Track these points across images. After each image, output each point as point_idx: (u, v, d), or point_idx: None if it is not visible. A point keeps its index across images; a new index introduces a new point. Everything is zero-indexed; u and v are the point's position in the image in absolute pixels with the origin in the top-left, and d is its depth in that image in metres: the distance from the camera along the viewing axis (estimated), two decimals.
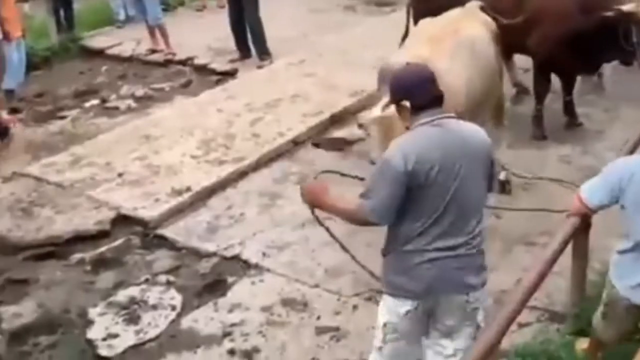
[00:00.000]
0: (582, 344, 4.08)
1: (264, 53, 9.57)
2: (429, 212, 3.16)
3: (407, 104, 3.23)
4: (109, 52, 10.48)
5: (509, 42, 6.47)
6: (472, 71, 5.19)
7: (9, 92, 8.66)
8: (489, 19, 5.91)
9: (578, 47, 6.46)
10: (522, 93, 8.07)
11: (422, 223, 3.17)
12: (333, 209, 3.39)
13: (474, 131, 3.34)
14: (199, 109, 8.11)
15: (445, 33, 5.34)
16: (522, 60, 7.76)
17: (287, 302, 4.91)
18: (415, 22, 7.15)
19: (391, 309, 3.33)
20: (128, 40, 10.70)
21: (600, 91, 8.03)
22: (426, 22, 5.83)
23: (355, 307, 4.80)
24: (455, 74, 4.91)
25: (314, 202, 3.48)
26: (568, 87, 7.27)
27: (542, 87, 7.14)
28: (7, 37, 8.21)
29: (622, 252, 3.62)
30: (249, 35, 9.63)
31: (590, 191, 3.69)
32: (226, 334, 4.65)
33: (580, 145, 6.84)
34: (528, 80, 7.57)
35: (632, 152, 4.84)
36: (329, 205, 3.40)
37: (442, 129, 3.20)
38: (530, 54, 7.16)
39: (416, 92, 3.22)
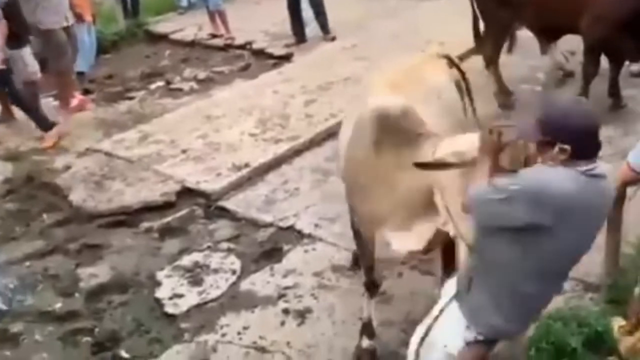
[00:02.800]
0: (619, 322, 4.18)
1: (327, 29, 9.85)
2: None
3: (566, 147, 2.81)
4: (172, 37, 10.92)
5: (558, 23, 6.51)
6: (442, 121, 4.13)
7: (80, 74, 9.15)
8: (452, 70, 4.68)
9: (632, 29, 6.47)
10: (567, 76, 8.19)
11: None
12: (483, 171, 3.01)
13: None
14: (257, 91, 8.44)
15: (410, 80, 4.18)
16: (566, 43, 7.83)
17: (337, 269, 5.21)
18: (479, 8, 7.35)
19: None
20: (190, 26, 11.13)
21: None
22: (387, 68, 4.60)
23: (400, 274, 5.06)
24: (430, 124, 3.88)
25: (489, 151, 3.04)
26: (616, 69, 7.33)
27: (591, 68, 7.13)
28: (79, 18, 8.68)
29: None
30: (304, 20, 9.92)
31: (638, 156, 3.79)
32: (281, 296, 4.98)
33: (622, 127, 6.92)
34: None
35: None
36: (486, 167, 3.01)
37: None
38: (582, 34, 7.05)
39: (586, 140, 2.84)
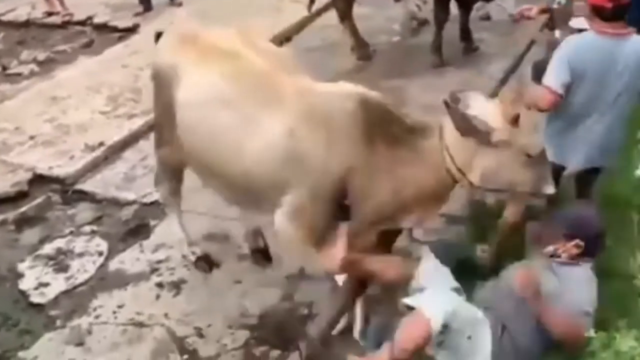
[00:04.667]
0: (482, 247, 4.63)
1: None
2: None
3: (581, 244, 3.61)
4: (4, 18, 10.58)
5: None
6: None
7: None
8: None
9: None
10: (421, 25, 8.71)
11: None
12: None
13: None
14: (103, 67, 8.42)
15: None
16: None
17: (209, 237, 5.40)
18: None
19: None
20: (22, 5, 10.82)
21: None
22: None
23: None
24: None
25: None
26: (465, 14, 7.88)
27: (442, 15, 7.66)
28: None
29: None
30: None
31: (553, 79, 4.11)
32: (153, 270, 5.13)
33: (476, 68, 7.50)
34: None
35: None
36: None
37: None
38: None
39: (598, 244, 3.65)
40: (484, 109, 3.45)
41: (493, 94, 5.40)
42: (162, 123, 4.50)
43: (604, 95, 4.12)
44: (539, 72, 4.44)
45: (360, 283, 3.96)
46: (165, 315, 4.71)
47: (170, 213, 5.14)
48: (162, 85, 4.30)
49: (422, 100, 6.69)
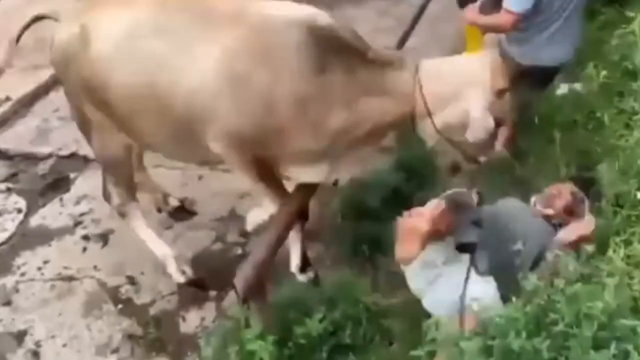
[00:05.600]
0: None
1: None
2: None
3: None
4: None
5: None
6: None
7: None
8: None
9: None
10: None
11: None
12: None
13: None
14: (2, 17, 8.07)
15: None
16: None
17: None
18: None
19: None
20: None
21: None
22: None
23: (200, 177, 5.31)
24: None
25: None
26: None
27: None
28: None
29: None
30: None
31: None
32: (77, 223, 5.08)
33: None
34: None
35: None
36: None
37: None
38: None
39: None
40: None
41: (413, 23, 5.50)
42: (85, 116, 4.19)
43: None
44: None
45: (296, 216, 4.00)
46: (95, 267, 4.68)
47: (133, 222, 4.59)
48: (70, 70, 4.05)
49: None
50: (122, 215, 4.56)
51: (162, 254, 4.48)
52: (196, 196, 5.14)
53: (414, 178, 4.49)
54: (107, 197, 4.69)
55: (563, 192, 3.33)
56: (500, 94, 3.59)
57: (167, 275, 4.52)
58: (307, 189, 4.01)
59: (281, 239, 3.92)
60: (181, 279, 4.45)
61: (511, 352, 2.48)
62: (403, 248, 3.22)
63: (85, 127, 4.33)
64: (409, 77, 3.59)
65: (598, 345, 2.39)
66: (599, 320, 2.46)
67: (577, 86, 4.64)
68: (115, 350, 4.26)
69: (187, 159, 4.40)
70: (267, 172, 3.85)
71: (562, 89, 4.71)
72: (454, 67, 3.74)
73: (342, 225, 4.44)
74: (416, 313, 3.43)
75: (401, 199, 4.40)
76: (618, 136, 3.77)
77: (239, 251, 4.66)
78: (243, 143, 3.66)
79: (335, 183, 4.35)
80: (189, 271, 4.47)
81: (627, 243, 3.12)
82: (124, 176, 4.45)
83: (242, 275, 3.31)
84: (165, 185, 5.11)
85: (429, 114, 3.60)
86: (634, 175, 3.42)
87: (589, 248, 2.94)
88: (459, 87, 3.57)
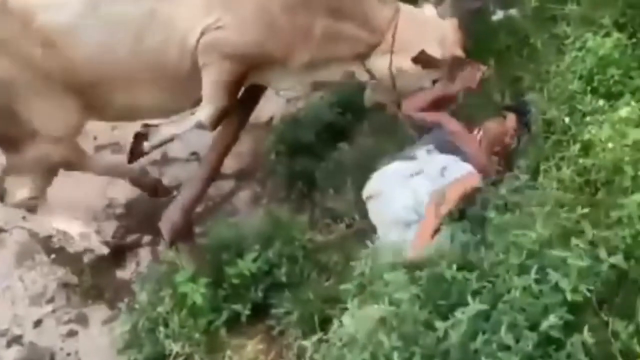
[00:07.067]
0: None
1: None
2: None
3: None
4: None
5: None
6: None
7: None
8: None
9: None
10: None
11: None
12: None
13: None
14: None
15: None
16: None
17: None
18: None
19: None
20: None
21: None
22: None
23: None
24: None
25: None
26: None
27: None
28: None
29: None
30: None
31: None
32: None
33: None
34: None
35: None
36: None
37: None
38: None
39: None
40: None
41: None
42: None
43: None
44: None
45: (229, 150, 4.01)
46: (24, 218, 4.57)
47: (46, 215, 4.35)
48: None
49: None
50: (32, 210, 4.28)
51: (79, 232, 4.31)
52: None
53: (347, 112, 4.50)
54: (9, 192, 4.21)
55: None
56: (454, 60, 3.77)
57: (100, 222, 4.51)
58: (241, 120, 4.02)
59: (213, 175, 3.91)
60: (105, 250, 4.33)
61: (443, 280, 2.53)
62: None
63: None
64: (389, 14, 3.81)
65: (523, 272, 2.44)
66: (527, 250, 2.52)
67: (513, 12, 4.66)
68: (51, 300, 4.24)
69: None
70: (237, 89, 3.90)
71: (498, 14, 4.71)
72: (427, 20, 3.95)
73: (277, 162, 4.43)
74: (353, 248, 3.47)
75: (335, 134, 4.44)
76: (550, 62, 3.82)
77: (174, 193, 4.62)
78: (244, 53, 3.72)
79: (269, 121, 4.35)
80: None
81: (558, 168, 3.18)
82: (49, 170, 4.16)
83: (168, 218, 3.30)
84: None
85: (391, 53, 3.79)
86: (565, 101, 3.48)
87: (521, 176, 3.02)
88: (426, 39, 3.78)
